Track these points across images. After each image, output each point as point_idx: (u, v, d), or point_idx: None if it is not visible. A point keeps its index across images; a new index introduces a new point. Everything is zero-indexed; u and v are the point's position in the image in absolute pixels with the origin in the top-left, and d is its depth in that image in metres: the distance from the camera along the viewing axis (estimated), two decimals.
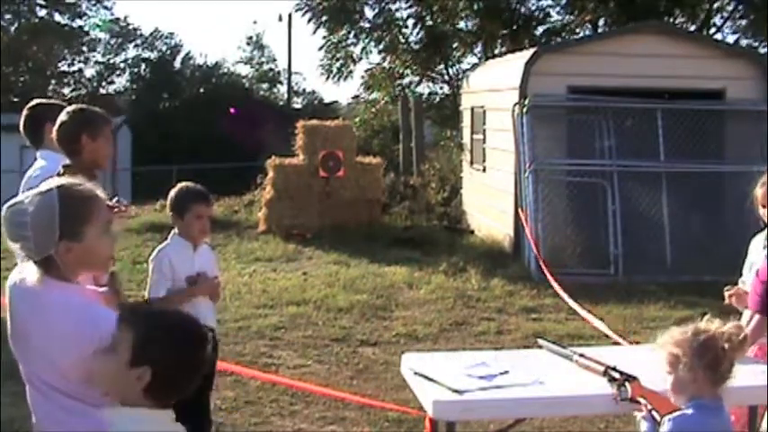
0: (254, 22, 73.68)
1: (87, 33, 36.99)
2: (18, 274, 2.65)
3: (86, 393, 2.55)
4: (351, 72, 21.53)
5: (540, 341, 3.97)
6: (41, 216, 2.48)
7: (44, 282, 2.56)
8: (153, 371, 2.28)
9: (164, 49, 37.88)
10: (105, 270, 2.78)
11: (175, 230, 4.51)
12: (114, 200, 4.05)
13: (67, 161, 4.23)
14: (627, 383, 3.21)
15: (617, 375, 3.28)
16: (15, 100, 31.06)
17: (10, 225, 2.54)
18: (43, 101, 4.96)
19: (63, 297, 2.50)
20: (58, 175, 3.89)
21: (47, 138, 4.54)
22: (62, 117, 4.30)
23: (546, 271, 9.11)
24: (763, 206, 4.06)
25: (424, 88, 21.78)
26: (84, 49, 37.27)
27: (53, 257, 2.51)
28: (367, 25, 20.79)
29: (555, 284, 8.55)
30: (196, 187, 4.54)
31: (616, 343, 6.68)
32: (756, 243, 4.24)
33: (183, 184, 4.60)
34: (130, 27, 37.77)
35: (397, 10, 20.93)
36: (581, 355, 3.57)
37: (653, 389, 3.15)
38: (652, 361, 3.16)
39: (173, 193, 4.52)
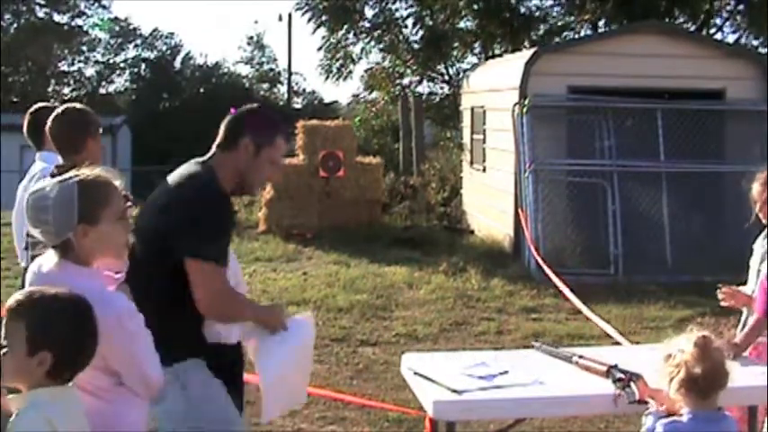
0: (255, 22, 73.64)
1: (87, 33, 37.00)
2: (36, 264, 2.75)
3: (102, 378, 2.64)
4: (350, 72, 21.56)
5: (535, 345, 3.94)
6: (62, 199, 2.62)
7: (61, 265, 2.66)
8: (53, 354, 2.39)
9: (164, 49, 37.87)
10: (120, 257, 2.82)
11: None
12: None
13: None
14: (633, 383, 3.20)
15: (621, 375, 3.26)
16: (15, 100, 31.08)
17: (32, 209, 2.67)
18: (45, 104, 5.00)
19: (78, 280, 2.59)
20: (52, 175, 3.93)
21: (47, 141, 4.58)
22: (60, 119, 4.34)
23: (548, 271, 9.09)
24: (762, 202, 4.06)
25: (424, 88, 21.82)
26: (84, 48, 37.26)
27: (71, 241, 2.63)
28: (367, 25, 20.81)
29: (558, 282, 8.53)
30: None
31: (616, 343, 6.67)
32: (757, 246, 4.22)
33: None
34: (130, 27, 37.76)
35: (397, 10, 20.96)
36: (580, 356, 3.57)
37: (659, 388, 3.13)
38: (652, 361, 3.15)
39: None
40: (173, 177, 3.31)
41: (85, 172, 2.72)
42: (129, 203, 3.15)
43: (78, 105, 4.54)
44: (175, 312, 3.09)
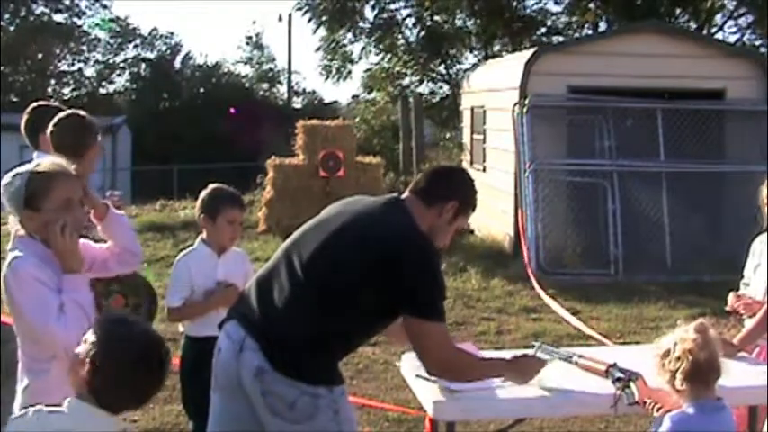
0: (253, 22, 73.52)
1: (87, 33, 36.99)
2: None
3: (32, 347, 2.95)
4: (350, 73, 21.58)
5: (535, 345, 3.93)
6: (15, 187, 2.97)
7: (16, 237, 3.02)
8: (91, 365, 2.38)
9: (163, 48, 37.86)
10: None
11: (203, 235, 4.26)
12: (108, 194, 4.08)
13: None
14: (632, 383, 3.20)
15: (621, 375, 3.26)
16: (15, 100, 31.06)
17: (3, 191, 3.03)
18: (43, 103, 4.95)
19: (18, 245, 2.97)
20: None
21: (42, 142, 4.57)
22: (66, 125, 4.32)
23: (536, 284, 9.07)
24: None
25: (424, 88, 21.83)
26: (84, 48, 37.24)
27: (24, 224, 2.97)
28: (367, 25, 20.82)
29: (548, 298, 8.54)
30: (229, 190, 4.29)
31: (618, 343, 6.67)
32: (759, 244, 4.19)
33: (216, 185, 4.32)
34: (130, 27, 37.75)
35: (396, 10, 20.97)
36: (580, 356, 3.57)
37: (659, 387, 3.13)
38: (651, 361, 3.14)
39: (205, 194, 4.25)
40: (378, 214, 3.18)
41: (41, 163, 3.04)
42: (111, 202, 3.31)
43: (80, 112, 4.51)
44: (344, 340, 3.13)
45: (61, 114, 4.42)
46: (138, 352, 2.43)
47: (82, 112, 4.49)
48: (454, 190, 3.30)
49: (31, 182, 2.93)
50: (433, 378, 3.37)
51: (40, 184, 2.92)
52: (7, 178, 3.02)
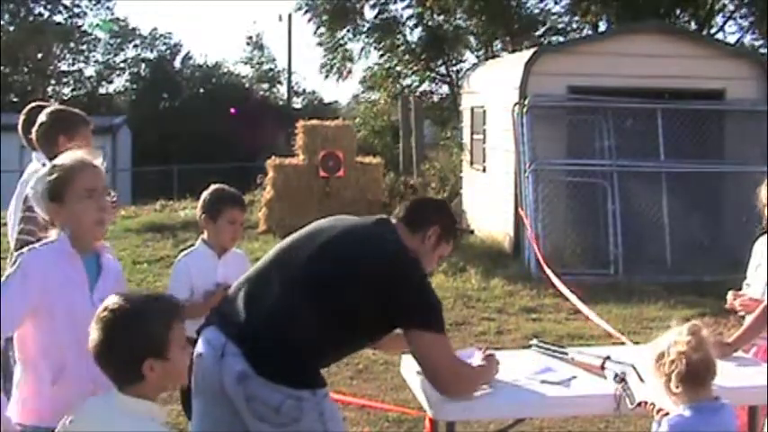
0: (254, 23, 73.44)
1: (87, 33, 36.99)
2: None
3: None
4: (350, 71, 21.60)
5: (533, 345, 3.93)
6: (39, 183, 2.95)
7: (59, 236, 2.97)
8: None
9: (163, 48, 37.87)
10: (93, 235, 2.97)
11: (203, 236, 4.25)
12: None
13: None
14: (628, 379, 3.21)
15: (617, 372, 3.27)
16: (15, 100, 31.06)
17: (31, 197, 3.03)
18: (40, 104, 4.95)
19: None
20: None
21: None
22: (40, 118, 4.36)
23: (548, 271, 9.07)
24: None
25: (424, 88, 21.83)
26: (84, 48, 37.25)
27: (53, 220, 2.93)
28: (367, 25, 20.82)
29: (558, 283, 8.52)
30: (231, 190, 4.28)
31: (616, 343, 6.66)
32: (760, 245, 4.18)
33: (218, 185, 4.31)
34: (130, 27, 37.77)
35: (396, 10, 20.99)
36: (578, 353, 3.58)
37: (655, 386, 3.13)
38: (647, 363, 3.14)
39: (206, 194, 4.24)
40: (369, 232, 3.31)
41: (62, 157, 3.01)
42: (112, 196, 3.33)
43: (54, 107, 4.54)
44: (328, 348, 3.21)
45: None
46: (116, 315, 2.40)
47: (55, 107, 4.54)
48: (435, 216, 3.40)
49: (53, 175, 2.92)
50: None
51: (62, 176, 2.91)
52: (31, 184, 3.02)
